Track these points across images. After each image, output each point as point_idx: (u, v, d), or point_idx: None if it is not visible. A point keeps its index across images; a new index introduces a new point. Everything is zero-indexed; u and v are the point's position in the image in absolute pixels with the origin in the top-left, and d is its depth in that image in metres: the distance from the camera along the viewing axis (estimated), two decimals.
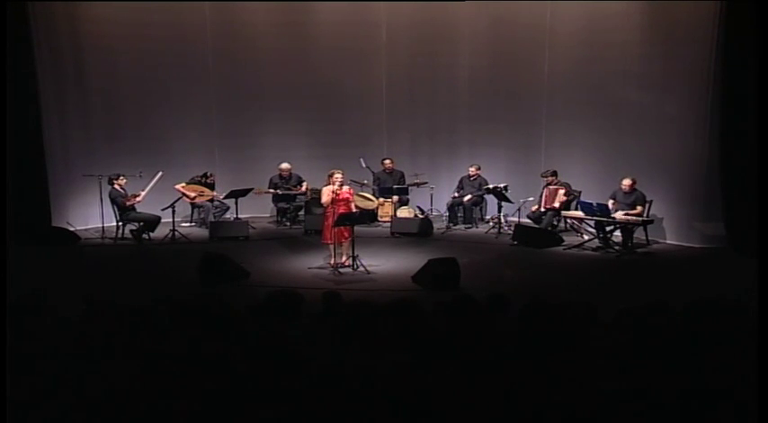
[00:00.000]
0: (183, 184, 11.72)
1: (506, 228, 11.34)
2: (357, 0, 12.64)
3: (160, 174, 11.03)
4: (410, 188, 12.38)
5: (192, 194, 11.71)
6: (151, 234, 11.01)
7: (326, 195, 9.24)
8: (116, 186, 10.92)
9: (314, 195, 12.25)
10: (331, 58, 12.76)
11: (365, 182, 12.41)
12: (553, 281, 8.83)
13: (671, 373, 4.08)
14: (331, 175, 9.29)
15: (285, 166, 12.16)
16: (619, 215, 10.17)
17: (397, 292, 8.02)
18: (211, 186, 11.97)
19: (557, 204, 11.18)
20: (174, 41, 12.11)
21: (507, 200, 11.39)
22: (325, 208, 9.36)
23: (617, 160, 11.10)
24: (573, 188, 11.37)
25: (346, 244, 9.29)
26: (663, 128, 10.60)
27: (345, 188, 9.35)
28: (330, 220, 9.18)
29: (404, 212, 12.18)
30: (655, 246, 10.50)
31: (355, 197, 10.15)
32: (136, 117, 12.14)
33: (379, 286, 8.49)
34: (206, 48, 12.35)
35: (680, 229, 10.59)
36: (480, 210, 12.40)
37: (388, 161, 12.54)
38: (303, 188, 12.18)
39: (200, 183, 11.88)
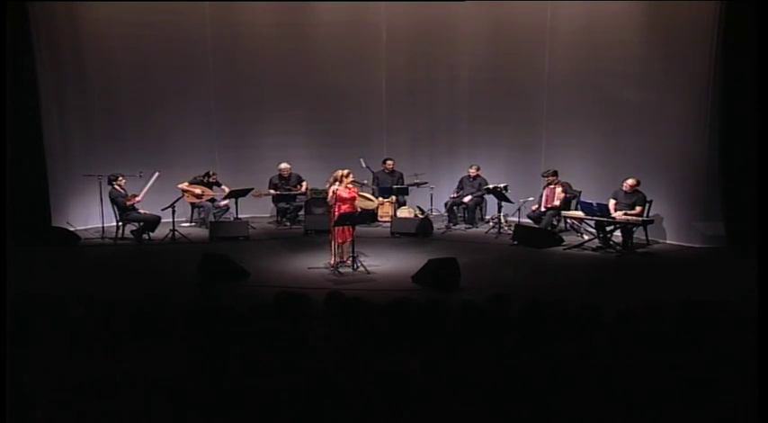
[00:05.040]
0: (187, 184, 11.73)
1: (506, 228, 11.34)
2: (357, 0, 12.64)
3: (157, 174, 11.02)
4: (410, 188, 12.39)
5: (198, 191, 11.72)
6: (151, 234, 11.02)
7: (332, 193, 9.26)
8: (116, 186, 10.92)
9: (314, 195, 12.26)
10: (331, 58, 12.76)
11: (365, 182, 12.41)
12: (553, 281, 8.83)
13: (671, 372, 4.08)
14: (345, 176, 9.26)
15: (284, 165, 12.17)
16: (618, 215, 10.18)
17: (397, 292, 8.02)
18: (212, 185, 11.95)
19: (557, 202, 11.18)
20: (174, 41, 12.10)
21: (507, 200, 11.39)
22: (331, 207, 9.36)
23: (617, 160, 11.10)
24: (573, 188, 11.37)
25: (347, 244, 9.30)
26: (663, 128, 10.61)
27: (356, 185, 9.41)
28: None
29: (404, 212, 12.18)
30: (655, 246, 10.50)
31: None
32: (136, 117, 12.14)
33: (379, 286, 8.49)
34: (206, 48, 12.34)
35: (680, 229, 10.59)
36: (480, 210, 12.40)
37: (390, 161, 12.54)
38: (303, 188, 12.18)
39: (202, 182, 11.88)
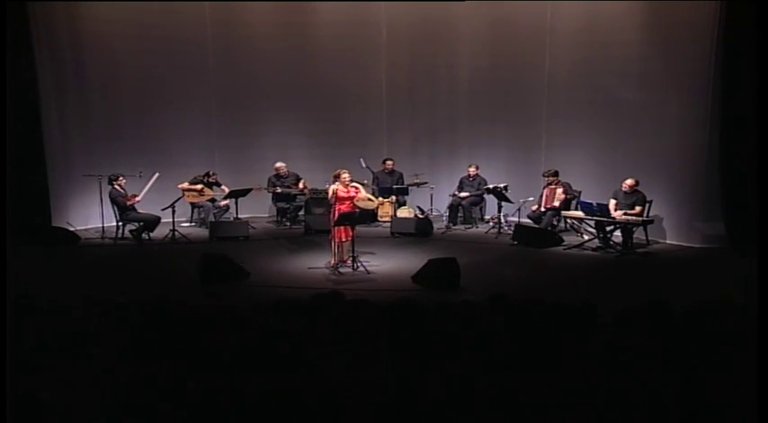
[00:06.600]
0: (187, 184, 11.73)
1: (506, 228, 11.34)
2: (357, 0, 12.64)
3: (157, 175, 11.03)
4: (410, 188, 12.39)
5: (199, 187, 11.71)
6: (151, 234, 11.01)
7: (332, 192, 9.27)
8: (116, 186, 10.92)
9: (314, 195, 12.25)
10: (331, 58, 12.77)
11: (365, 182, 12.40)
12: (553, 281, 8.83)
13: (670, 372, 4.08)
14: (338, 176, 9.30)
15: (280, 164, 12.14)
16: (618, 215, 10.18)
17: (397, 292, 8.02)
18: (212, 185, 11.95)
19: (556, 203, 11.18)
20: (174, 41, 12.10)
21: (507, 200, 11.39)
22: (332, 206, 9.36)
23: (617, 160, 11.10)
24: (573, 188, 11.37)
25: (347, 243, 9.30)
26: (663, 128, 10.60)
27: (353, 187, 9.39)
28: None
29: (404, 212, 12.18)
30: (655, 246, 10.50)
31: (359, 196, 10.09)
32: (136, 117, 12.14)
33: (379, 286, 8.49)
34: (206, 48, 12.35)
35: (680, 229, 10.59)
36: (480, 210, 12.40)
37: (390, 162, 12.54)
38: (301, 186, 12.13)
39: (201, 182, 11.87)
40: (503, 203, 11.41)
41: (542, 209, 11.35)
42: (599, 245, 10.34)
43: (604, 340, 4.61)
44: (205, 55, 12.38)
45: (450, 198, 12.21)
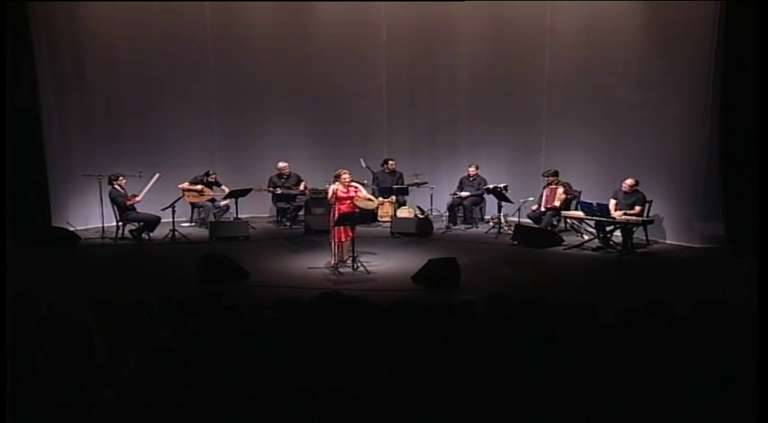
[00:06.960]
0: (187, 184, 11.73)
1: (506, 228, 11.34)
2: (357, 0, 12.64)
3: (157, 175, 11.03)
4: (410, 188, 12.39)
5: (199, 187, 11.70)
6: (151, 234, 11.01)
7: (332, 192, 9.27)
8: (116, 186, 10.92)
9: (314, 195, 12.25)
10: (331, 58, 12.77)
11: (365, 182, 12.40)
12: (553, 281, 8.83)
13: (670, 373, 4.08)
14: (338, 176, 9.30)
15: (282, 164, 12.16)
16: (618, 215, 10.18)
17: (397, 292, 8.02)
18: (212, 185, 11.94)
19: (557, 203, 11.19)
20: (174, 41, 12.11)
21: (507, 200, 11.39)
22: (332, 206, 9.36)
23: (617, 160, 11.11)
24: (573, 188, 11.37)
25: (347, 243, 9.30)
26: (663, 128, 10.61)
27: (353, 186, 9.39)
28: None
29: (404, 212, 12.18)
30: (655, 246, 10.50)
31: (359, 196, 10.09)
32: (136, 117, 12.14)
33: (379, 286, 8.49)
34: (206, 48, 12.35)
35: (680, 229, 10.59)
36: (480, 210, 12.40)
37: (392, 162, 12.54)
38: (302, 187, 12.15)
39: (201, 182, 11.87)
40: (503, 203, 11.41)
41: (542, 209, 11.35)
42: (599, 245, 10.34)
43: (604, 340, 4.61)
44: (205, 55, 12.38)
45: (451, 197, 12.21)
